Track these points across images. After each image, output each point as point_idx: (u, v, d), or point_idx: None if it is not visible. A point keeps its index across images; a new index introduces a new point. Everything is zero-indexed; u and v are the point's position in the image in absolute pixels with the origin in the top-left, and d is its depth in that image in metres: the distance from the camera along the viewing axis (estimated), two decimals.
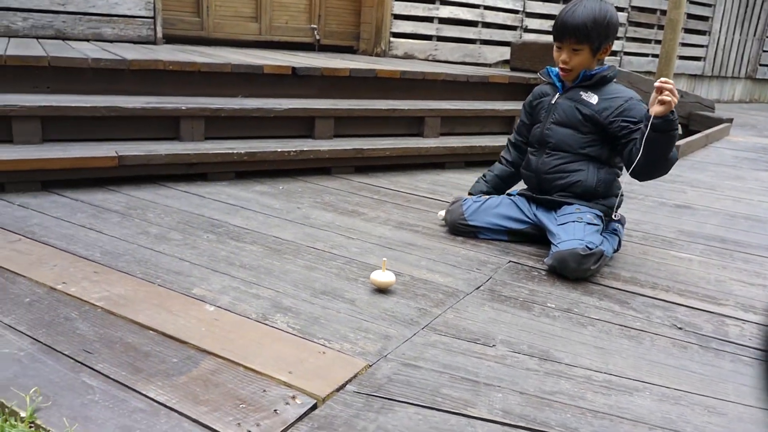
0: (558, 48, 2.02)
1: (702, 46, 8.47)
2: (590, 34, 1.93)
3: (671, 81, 1.76)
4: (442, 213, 2.27)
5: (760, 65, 9.47)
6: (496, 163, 2.36)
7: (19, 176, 2.28)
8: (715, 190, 3.27)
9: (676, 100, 1.74)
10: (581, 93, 2.03)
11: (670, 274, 1.99)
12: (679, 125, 1.82)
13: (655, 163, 1.87)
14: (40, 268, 1.63)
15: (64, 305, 1.44)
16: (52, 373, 1.17)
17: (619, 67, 7.13)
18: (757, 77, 9.57)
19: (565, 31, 1.96)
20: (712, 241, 2.37)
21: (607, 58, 2.12)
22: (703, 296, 1.83)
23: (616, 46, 7.13)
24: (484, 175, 2.37)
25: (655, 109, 1.76)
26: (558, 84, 2.08)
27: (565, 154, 2.06)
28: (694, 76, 8.62)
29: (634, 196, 2.99)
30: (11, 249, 1.75)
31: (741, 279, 2.00)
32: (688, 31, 8.17)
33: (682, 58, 8.22)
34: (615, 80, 2.06)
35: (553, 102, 2.09)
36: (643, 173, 1.92)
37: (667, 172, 1.92)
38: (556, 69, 2.08)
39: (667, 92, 1.73)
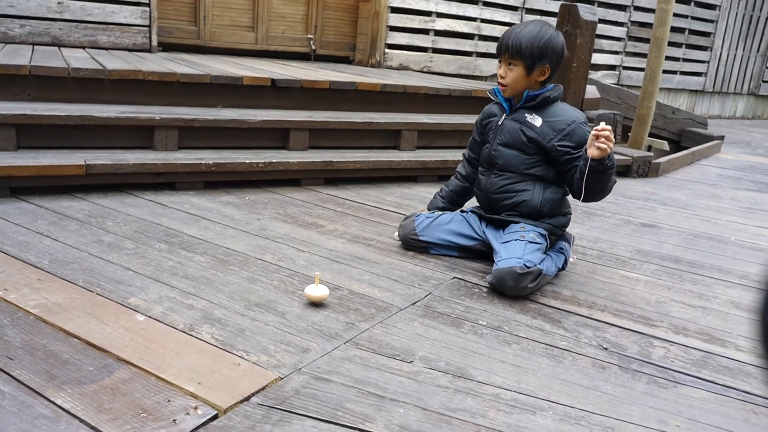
0: (499, 63, 2.07)
1: (703, 61, 8.45)
2: (522, 51, 1.98)
3: (609, 127, 1.84)
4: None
5: (763, 81, 9.42)
6: (452, 177, 2.40)
7: None
8: (686, 209, 3.28)
9: (611, 146, 1.84)
10: (526, 115, 2.07)
11: (612, 294, 2.02)
12: (615, 164, 1.94)
13: (594, 192, 1.98)
14: None
15: None
16: None
17: (618, 81, 7.15)
18: (760, 93, 9.52)
19: (501, 45, 2.02)
20: (666, 261, 2.39)
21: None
22: (638, 317, 1.86)
23: (615, 60, 7.15)
24: (440, 191, 2.41)
25: (592, 153, 1.84)
26: (505, 105, 2.12)
27: (511, 175, 2.09)
28: (695, 91, 8.59)
29: (601, 213, 3.01)
30: None
31: (683, 300, 2.02)
32: (689, 46, 8.16)
33: (683, 73, 8.21)
34: (560, 101, 2.10)
35: (499, 123, 2.13)
36: (585, 199, 2.00)
37: (607, 195, 2.03)
38: None
39: (603, 139, 1.80)
